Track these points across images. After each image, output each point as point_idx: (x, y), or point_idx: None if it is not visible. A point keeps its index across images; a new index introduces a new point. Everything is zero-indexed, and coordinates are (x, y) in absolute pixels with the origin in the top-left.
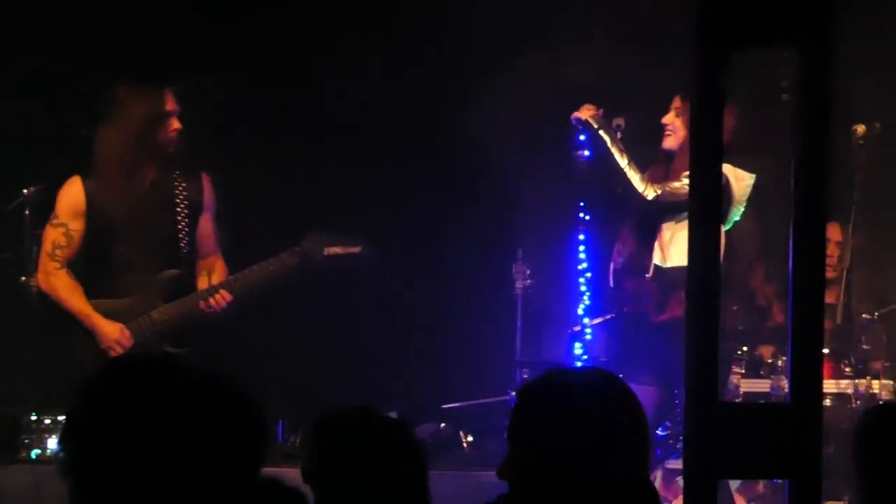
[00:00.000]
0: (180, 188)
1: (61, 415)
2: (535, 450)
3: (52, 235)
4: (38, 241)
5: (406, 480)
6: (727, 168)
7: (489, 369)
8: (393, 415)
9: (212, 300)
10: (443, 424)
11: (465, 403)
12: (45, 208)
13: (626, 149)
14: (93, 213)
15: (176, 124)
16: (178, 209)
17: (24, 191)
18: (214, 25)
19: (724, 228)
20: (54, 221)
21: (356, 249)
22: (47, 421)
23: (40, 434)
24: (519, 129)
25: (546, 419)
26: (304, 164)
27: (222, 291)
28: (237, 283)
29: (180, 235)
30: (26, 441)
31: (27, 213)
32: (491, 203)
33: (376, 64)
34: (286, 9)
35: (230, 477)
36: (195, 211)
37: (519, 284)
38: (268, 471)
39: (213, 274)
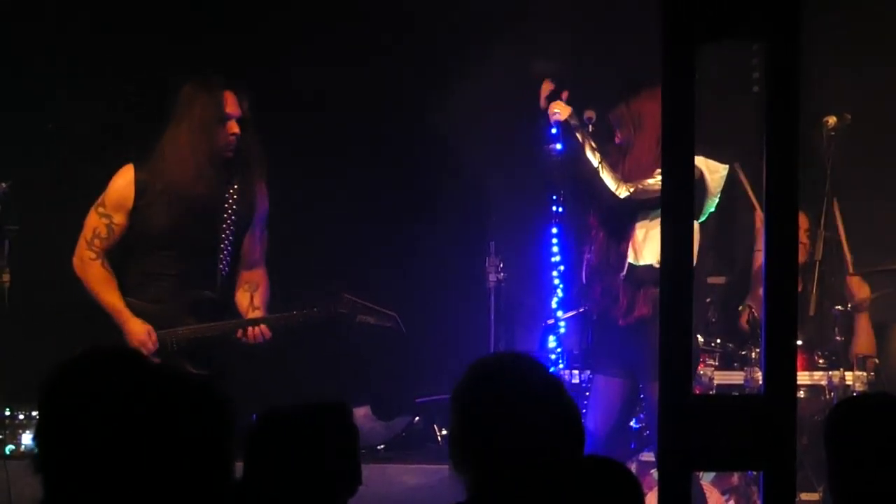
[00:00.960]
0: (231, 200)
1: (35, 410)
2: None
3: (94, 223)
4: (9, 237)
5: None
6: (700, 160)
7: (463, 363)
8: (366, 409)
9: (250, 332)
10: (416, 418)
11: (439, 397)
12: (13, 206)
13: (598, 142)
14: (138, 209)
15: (234, 128)
16: (225, 224)
17: None
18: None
19: (699, 220)
20: (99, 210)
21: (389, 324)
22: (21, 416)
23: (14, 430)
24: (490, 121)
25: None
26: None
27: (263, 327)
28: (278, 322)
29: (222, 255)
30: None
31: None
32: (462, 196)
33: (344, 56)
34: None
35: (200, 471)
36: (244, 223)
37: (492, 278)
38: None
39: (256, 292)
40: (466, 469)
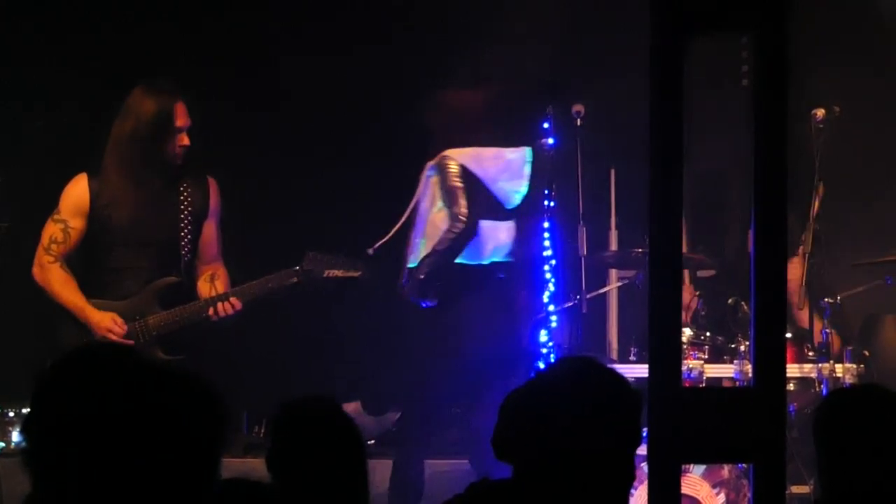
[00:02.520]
0: (185, 193)
1: (25, 407)
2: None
3: (51, 230)
4: None
5: (350, 467)
6: (479, 150)
7: (456, 357)
8: (356, 405)
9: (220, 307)
10: None
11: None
12: (3, 203)
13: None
14: (95, 212)
15: (184, 140)
16: (182, 215)
17: None
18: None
19: (509, 207)
20: (55, 216)
21: (356, 274)
22: (11, 413)
23: (4, 426)
24: (482, 116)
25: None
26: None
27: (233, 299)
28: (243, 293)
29: (182, 242)
30: None
31: None
32: None
33: (335, 50)
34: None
35: (189, 468)
36: (199, 217)
37: None
38: (232, 462)
39: (216, 280)
40: (510, 459)
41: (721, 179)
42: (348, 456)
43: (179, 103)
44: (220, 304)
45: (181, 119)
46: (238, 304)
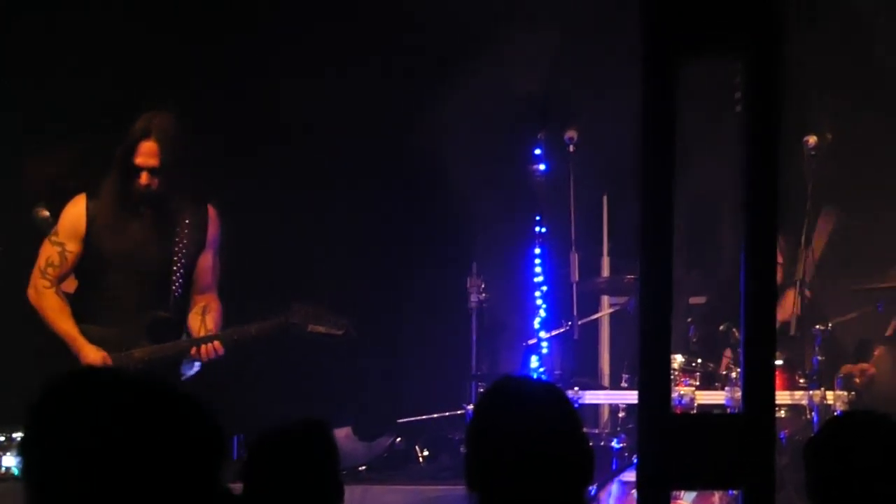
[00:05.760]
0: (182, 225)
1: (15, 432)
2: (490, 454)
3: (48, 252)
4: None
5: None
6: None
7: (445, 383)
8: (347, 430)
9: (204, 349)
10: (398, 439)
11: (420, 418)
12: None
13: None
14: (91, 237)
15: (144, 179)
16: (177, 248)
17: None
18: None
19: None
20: (53, 238)
21: (339, 333)
22: (1, 438)
23: None
24: (474, 142)
25: (499, 427)
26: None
27: (217, 343)
28: (229, 338)
29: (174, 276)
30: None
31: None
32: (445, 216)
33: (330, 74)
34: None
35: (185, 490)
36: (195, 249)
37: (474, 298)
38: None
39: (207, 315)
40: (475, 488)
41: (714, 206)
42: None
43: (147, 142)
44: (203, 347)
45: (142, 158)
46: (221, 349)
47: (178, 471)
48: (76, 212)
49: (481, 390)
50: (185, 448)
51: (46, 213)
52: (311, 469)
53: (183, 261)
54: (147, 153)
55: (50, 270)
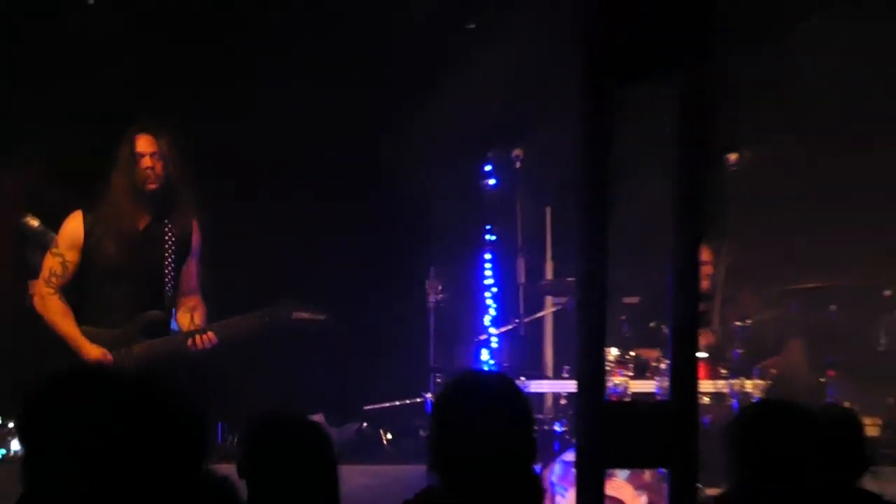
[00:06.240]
0: (170, 234)
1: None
2: (451, 440)
3: (50, 263)
4: None
5: (320, 476)
6: None
7: (406, 374)
8: (320, 416)
9: (199, 339)
10: (365, 424)
11: (385, 405)
12: None
13: (525, 176)
14: (88, 247)
15: (147, 162)
16: (167, 254)
17: None
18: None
19: None
20: (54, 250)
21: (321, 317)
22: (10, 425)
23: (4, 437)
24: (432, 159)
25: (458, 415)
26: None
27: (210, 333)
28: (220, 329)
29: (166, 279)
30: None
31: None
32: (408, 226)
33: (295, 88)
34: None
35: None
36: (182, 253)
37: (431, 299)
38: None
39: (195, 312)
40: (439, 469)
41: (647, 218)
42: (319, 462)
43: (142, 134)
44: (198, 337)
45: (141, 146)
46: (214, 339)
47: (164, 458)
48: (74, 225)
49: (439, 381)
50: (171, 437)
51: (35, 223)
52: (311, 464)
53: (173, 265)
54: (146, 142)
55: (53, 279)
